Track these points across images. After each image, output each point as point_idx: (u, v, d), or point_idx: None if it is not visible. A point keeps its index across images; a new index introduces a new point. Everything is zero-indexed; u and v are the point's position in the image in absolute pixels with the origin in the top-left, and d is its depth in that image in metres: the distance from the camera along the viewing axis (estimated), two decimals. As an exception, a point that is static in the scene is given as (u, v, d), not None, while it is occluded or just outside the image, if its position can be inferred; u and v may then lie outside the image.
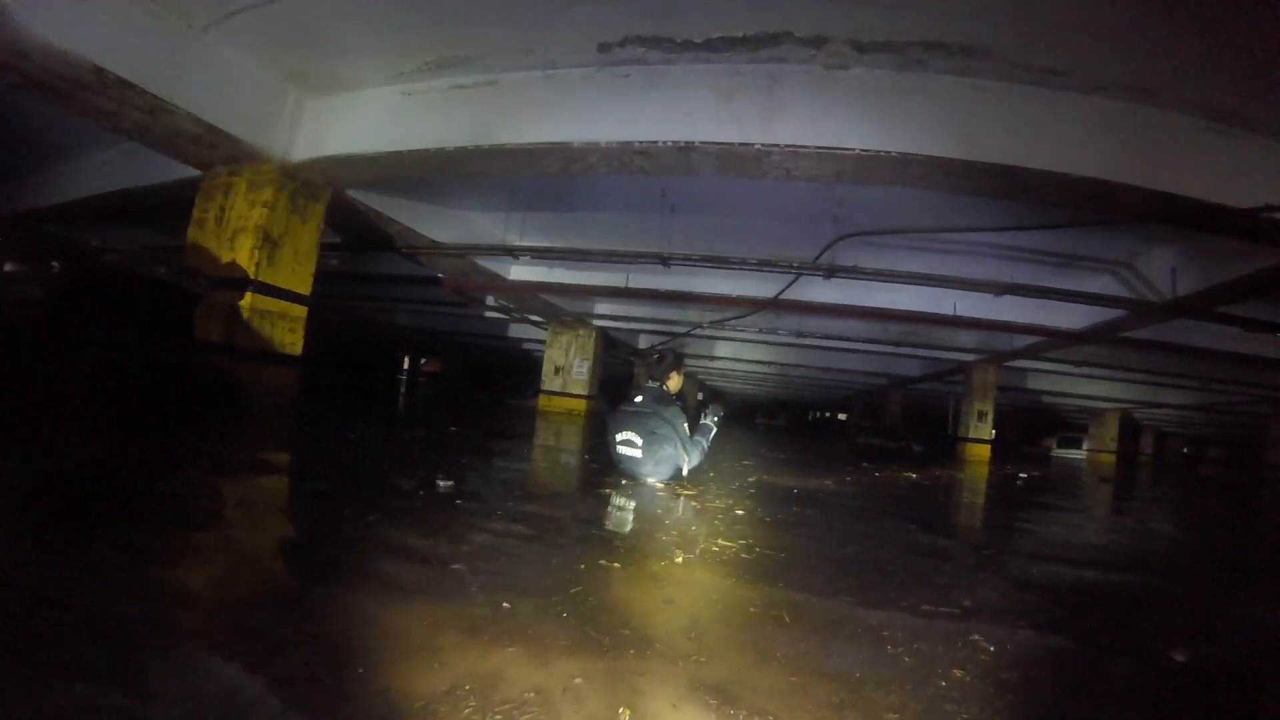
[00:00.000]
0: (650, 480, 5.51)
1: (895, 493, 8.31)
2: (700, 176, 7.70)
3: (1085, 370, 20.63)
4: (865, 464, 13.00)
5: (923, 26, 6.11)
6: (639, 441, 5.49)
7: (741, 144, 6.81)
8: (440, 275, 15.51)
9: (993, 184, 7.06)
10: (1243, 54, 5.94)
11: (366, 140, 8.29)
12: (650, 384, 5.92)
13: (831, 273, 11.46)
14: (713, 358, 26.42)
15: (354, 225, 11.70)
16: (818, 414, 58.10)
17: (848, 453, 17.56)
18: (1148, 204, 7.02)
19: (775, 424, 40.06)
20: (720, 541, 3.75)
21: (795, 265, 11.49)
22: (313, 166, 8.73)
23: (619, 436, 5.63)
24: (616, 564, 3.02)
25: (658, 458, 5.48)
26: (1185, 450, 50.44)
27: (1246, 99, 6.55)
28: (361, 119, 8.38)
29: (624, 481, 5.52)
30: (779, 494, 6.43)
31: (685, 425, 5.61)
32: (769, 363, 26.42)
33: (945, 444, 25.18)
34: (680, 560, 3.23)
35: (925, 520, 6.24)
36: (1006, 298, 12.28)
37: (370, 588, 2.35)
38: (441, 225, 12.48)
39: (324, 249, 10.01)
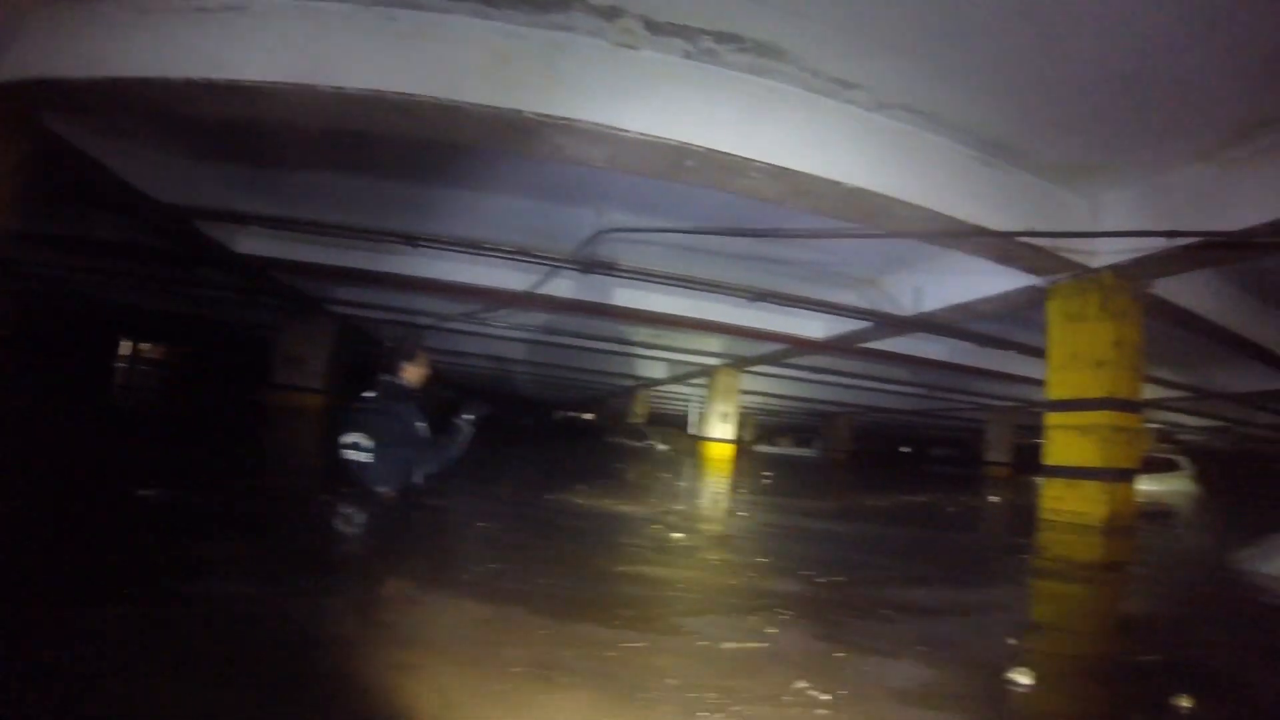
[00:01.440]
0: (381, 489, 4.63)
1: (646, 497, 8.12)
2: (466, 145, 7.00)
3: (822, 376, 21.65)
4: (617, 465, 12.91)
5: (719, 15, 5.80)
6: (368, 444, 4.60)
7: (513, 110, 6.09)
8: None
9: (768, 186, 6.93)
10: (1016, 93, 6.34)
11: (84, 63, 6.54)
12: (384, 377, 4.99)
13: (589, 268, 11.02)
14: (461, 354, 24.87)
15: (65, 173, 9.51)
16: (565, 414, 57.86)
17: (596, 455, 17.49)
18: (915, 220, 7.27)
19: (524, 424, 39.24)
20: (470, 569, 3.10)
21: (553, 257, 10.95)
22: (13, 90, 6.77)
23: (346, 438, 4.70)
24: (349, 616, 2.32)
25: (389, 463, 4.60)
26: (906, 450, 54.56)
27: (1015, 134, 7.04)
28: (84, 38, 6.58)
29: (351, 492, 4.63)
30: (530, 506, 5.94)
31: (424, 425, 4.77)
32: (519, 360, 25.37)
33: (687, 443, 25.76)
34: (428, 604, 2.54)
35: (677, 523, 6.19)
36: (756, 304, 12.45)
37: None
38: (164, 180, 10.42)
39: (24, 200, 8.03)
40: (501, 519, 5.14)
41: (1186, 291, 10.00)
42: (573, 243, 10.49)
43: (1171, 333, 10.97)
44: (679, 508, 8.09)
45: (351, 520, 4.12)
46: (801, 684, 2.28)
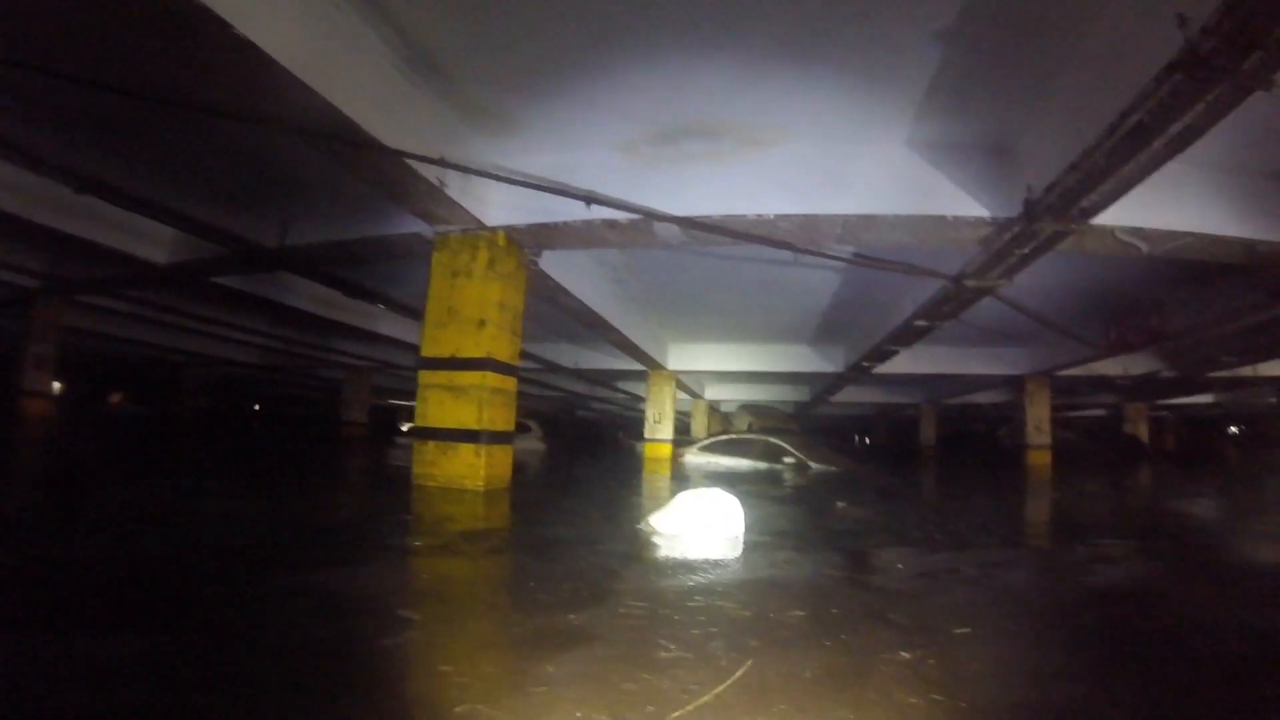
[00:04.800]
0: None
1: None
2: None
3: (167, 316, 18.57)
4: None
5: None
6: None
7: None
8: None
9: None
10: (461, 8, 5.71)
11: None
12: None
13: None
14: None
15: None
16: None
17: None
18: (307, 109, 5.59)
19: None
20: None
21: None
22: None
23: None
24: None
25: None
26: (258, 407, 51.11)
27: (449, 55, 6.29)
28: None
29: None
30: None
31: None
32: None
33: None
34: None
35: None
36: (85, 199, 9.51)
37: None
38: None
39: None
40: None
41: (566, 269, 10.17)
42: None
43: (539, 307, 11.02)
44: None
45: None
46: None
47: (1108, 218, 6.97)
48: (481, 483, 7.59)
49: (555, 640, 2.74)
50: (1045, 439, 21.51)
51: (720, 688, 2.24)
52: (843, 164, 7.50)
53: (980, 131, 7.17)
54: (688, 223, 7.49)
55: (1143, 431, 30.94)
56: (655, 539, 5.25)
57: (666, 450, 21.15)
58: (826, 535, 6.20)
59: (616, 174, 7.59)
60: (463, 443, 7.72)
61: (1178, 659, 2.79)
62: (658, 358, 18.88)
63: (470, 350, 7.84)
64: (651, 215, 7.43)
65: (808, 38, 5.74)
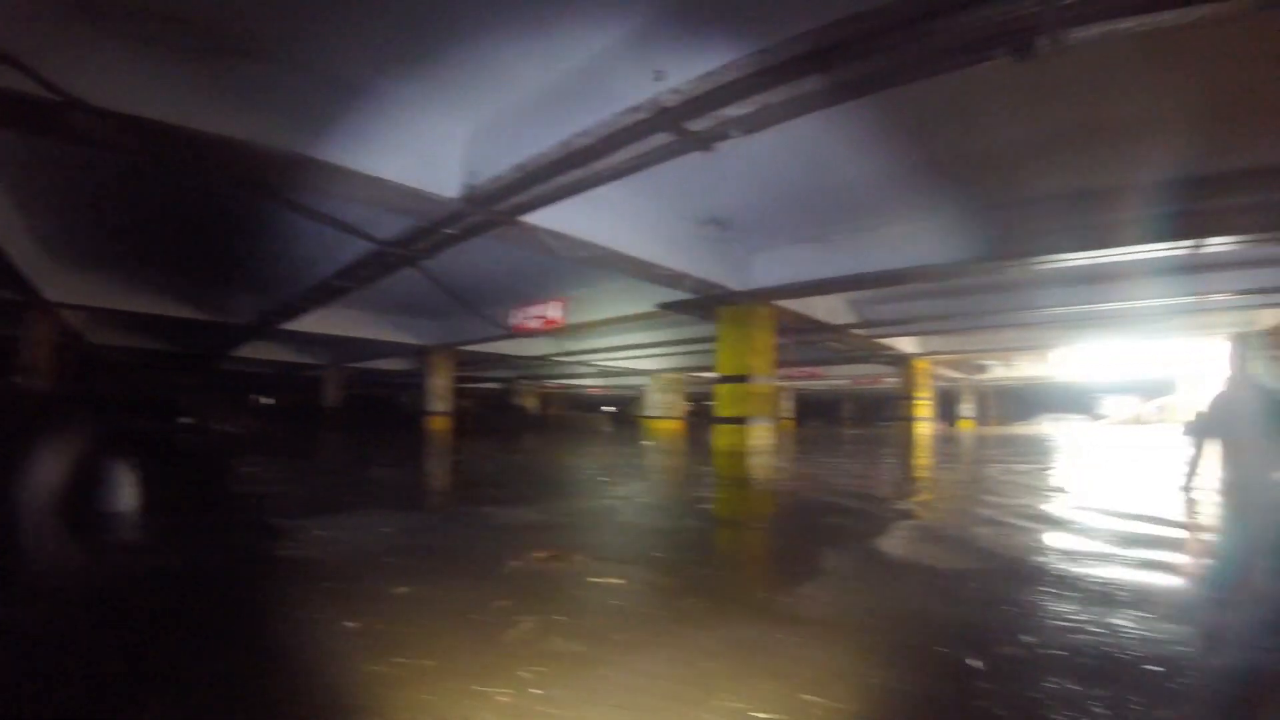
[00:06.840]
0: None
1: None
2: None
3: None
4: None
5: None
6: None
7: None
8: None
9: None
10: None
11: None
12: None
13: None
14: None
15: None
16: None
17: None
18: None
19: None
20: None
21: None
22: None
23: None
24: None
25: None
26: None
27: None
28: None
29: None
30: None
31: None
32: None
33: None
34: None
35: None
36: None
37: None
38: None
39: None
40: None
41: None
42: None
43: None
44: None
45: None
46: None
47: (537, 218, 7.88)
48: None
49: None
50: (446, 406, 22.98)
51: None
52: (305, 97, 7.04)
53: (438, 107, 7.49)
54: (114, 118, 6.40)
55: (532, 404, 34.72)
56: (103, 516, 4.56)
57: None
58: (231, 505, 5.89)
59: (49, 40, 6.03)
60: None
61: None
62: (36, 283, 15.31)
63: None
64: (70, 99, 6.08)
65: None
